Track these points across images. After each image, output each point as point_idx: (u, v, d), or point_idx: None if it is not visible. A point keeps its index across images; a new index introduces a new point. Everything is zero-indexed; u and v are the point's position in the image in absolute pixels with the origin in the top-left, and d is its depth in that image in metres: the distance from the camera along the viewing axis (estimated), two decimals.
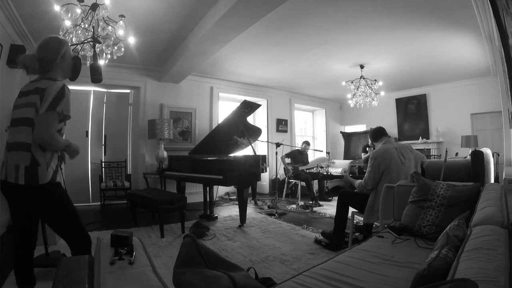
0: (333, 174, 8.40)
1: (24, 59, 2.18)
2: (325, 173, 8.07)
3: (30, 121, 2.06)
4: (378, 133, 4.18)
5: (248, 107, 5.99)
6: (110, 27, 3.70)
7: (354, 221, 4.32)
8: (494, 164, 4.69)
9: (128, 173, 7.36)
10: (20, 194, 2.11)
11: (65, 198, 2.24)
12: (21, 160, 2.05)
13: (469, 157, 4.42)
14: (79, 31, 3.58)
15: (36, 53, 2.21)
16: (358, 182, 4.02)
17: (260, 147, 9.80)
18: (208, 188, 6.00)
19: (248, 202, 5.71)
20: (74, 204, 2.31)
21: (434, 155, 9.04)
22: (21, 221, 2.27)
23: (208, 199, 6.04)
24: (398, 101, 10.55)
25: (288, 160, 8.47)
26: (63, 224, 2.24)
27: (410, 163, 3.84)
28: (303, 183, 7.79)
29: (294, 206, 7.19)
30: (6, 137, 2.21)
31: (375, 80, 7.78)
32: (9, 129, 2.21)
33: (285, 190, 8.56)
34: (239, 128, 5.99)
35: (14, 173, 2.06)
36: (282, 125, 10.34)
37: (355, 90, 7.88)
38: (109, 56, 4.10)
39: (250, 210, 6.70)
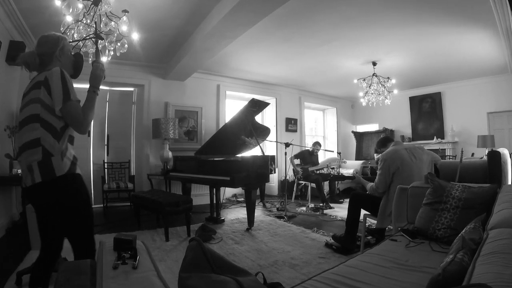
0: (344, 174, 8.37)
1: (24, 56, 2.19)
2: (336, 174, 8.04)
3: (36, 117, 2.03)
4: (384, 141, 4.27)
5: (256, 106, 5.98)
6: (113, 23, 3.70)
7: (366, 224, 4.30)
8: (511, 164, 4.64)
9: (132, 174, 7.39)
10: (40, 196, 2.06)
11: (86, 193, 2.19)
12: (33, 158, 2.00)
13: (485, 158, 4.38)
14: (81, 27, 3.59)
15: (35, 49, 2.22)
16: (369, 185, 4.02)
17: (268, 147, 9.79)
18: (214, 189, 5.99)
19: (256, 204, 5.70)
20: None
21: (449, 156, 8.97)
22: (47, 232, 2.19)
23: (214, 201, 6.04)
24: (412, 99, 10.48)
25: (297, 161, 8.45)
26: (77, 223, 2.15)
27: (422, 163, 3.81)
28: (313, 185, 7.76)
29: (304, 208, 7.18)
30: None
31: (388, 78, 7.73)
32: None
33: (294, 192, 8.56)
34: (247, 127, 5.98)
35: (29, 175, 2.00)
36: (291, 124, 10.33)
37: (367, 88, 7.86)
38: (112, 53, 4.10)
39: (258, 212, 6.72)
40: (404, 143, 5.11)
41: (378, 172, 3.83)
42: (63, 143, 2.08)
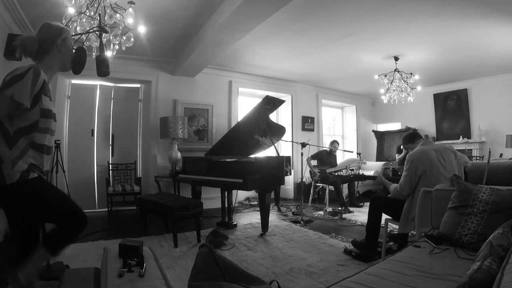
0: (365, 174, 8.33)
1: (22, 39, 2.21)
2: (356, 173, 8.02)
3: None
4: (413, 136, 4.24)
5: (271, 103, 5.97)
6: (118, 15, 3.71)
7: (388, 229, 4.27)
8: None
9: (138, 176, 7.43)
10: None
11: (42, 191, 2.23)
12: None
13: None
14: (84, 19, 3.60)
15: (35, 35, 2.24)
16: (393, 186, 3.97)
17: (284, 147, 9.78)
18: (226, 192, 6.01)
19: (270, 208, 5.69)
20: None
21: (476, 156, 8.88)
22: (16, 225, 2.32)
23: (226, 205, 6.05)
24: (436, 96, 10.39)
25: (314, 162, 8.42)
26: (47, 216, 2.27)
27: (451, 167, 3.74)
28: (331, 187, 7.74)
29: (322, 212, 7.15)
30: None
31: (411, 74, 7.67)
32: None
33: (311, 195, 8.52)
34: (261, 126, 5.98)
35: None
36: (308, 123, 10.30)
37: (389, 85, 7.81)
38: (117, 47, 4.12)
39: (273, 217, 6.70)
40: (435, 142, 5.06)
41: (403, 173, 3.78)
42: (17, 149, 2.10)
